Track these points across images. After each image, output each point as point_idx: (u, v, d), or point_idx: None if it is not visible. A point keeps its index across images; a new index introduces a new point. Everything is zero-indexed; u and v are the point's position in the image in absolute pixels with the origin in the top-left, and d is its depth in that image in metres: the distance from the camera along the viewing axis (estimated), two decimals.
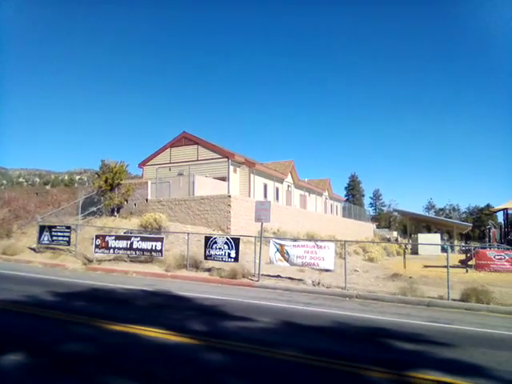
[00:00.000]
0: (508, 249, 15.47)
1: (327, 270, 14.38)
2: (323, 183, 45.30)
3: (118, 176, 24.35)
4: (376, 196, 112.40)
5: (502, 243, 26.37)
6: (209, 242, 15.08)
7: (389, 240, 47.53)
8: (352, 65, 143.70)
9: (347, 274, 13.02)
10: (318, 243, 13.78)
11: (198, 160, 28.72)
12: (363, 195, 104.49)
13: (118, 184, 24.43)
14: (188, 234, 16.83)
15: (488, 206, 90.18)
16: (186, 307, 9.20)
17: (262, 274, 14.01)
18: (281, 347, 5.84)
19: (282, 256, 13.91)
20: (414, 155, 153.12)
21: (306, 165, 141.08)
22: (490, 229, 29.76)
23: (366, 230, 49.03)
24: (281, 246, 14.06)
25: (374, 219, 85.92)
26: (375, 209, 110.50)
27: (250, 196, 27.54)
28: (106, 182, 24.09)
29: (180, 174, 26.50)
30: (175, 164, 29.18)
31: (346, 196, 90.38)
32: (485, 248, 14.21)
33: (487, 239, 29.30)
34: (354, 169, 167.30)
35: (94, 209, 24.51)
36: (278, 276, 14.52)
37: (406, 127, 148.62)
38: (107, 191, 24.14)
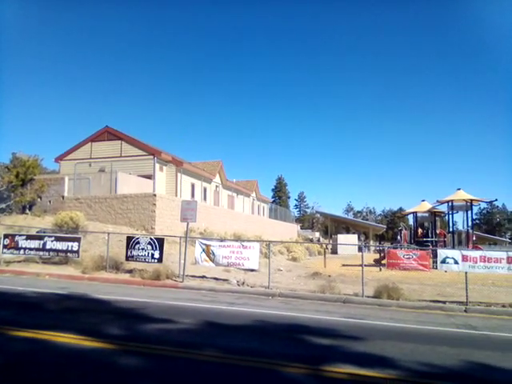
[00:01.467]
0: (416, 249, 16.84)
1: (252, 270, 14.59)
2: (251, 184, 45.95)
3: (30, 170, 22.52)
4: (301, 198, 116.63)
5: (411, 243, 28.76)
6: (131, 242, 14.50)
7: (311, 240, 49.54)
8: (274, 65, 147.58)
9: (271, 273, 13.31)
10: (244, 243, 13.91)
11: (121, 156, 27.49)
12: (289, 197, 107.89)
13: (31, 179, 22.58)
14: (108, 233, 16.02)
15: (400, 209, 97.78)
16: (104, 311, 8.74)
17: (187, 275, 13.80)
18: (203, 348, 5.78)
19: (208, 256, 13.82)
20: (336, 160, 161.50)
21: (235, 165, 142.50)
22: (401, 230, 32.37)
23: (290, 230, 50.61)
24: (207, 246, 13.96)
25: (298, 220, 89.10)
26: (300, 210, 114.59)
27: (176, 195, 27.01)
28: (17, 176, 22.15)
29: (101, 171, 25.16)
30: (96, 160, 27.62)
31: (272, 197, 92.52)
32: (396, 248, 15.34)
33: (399, 240, 31.80)
34: (281, 171, 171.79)
35: (3, 205, 22.38)
36: (204, 276, 14.41)
37: (327, 131, 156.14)
38: (18, 187, 22.21)
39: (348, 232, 68.35)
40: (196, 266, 14.58)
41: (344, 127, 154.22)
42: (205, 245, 14.06)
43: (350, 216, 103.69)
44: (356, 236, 48.03)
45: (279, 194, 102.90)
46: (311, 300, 11.53)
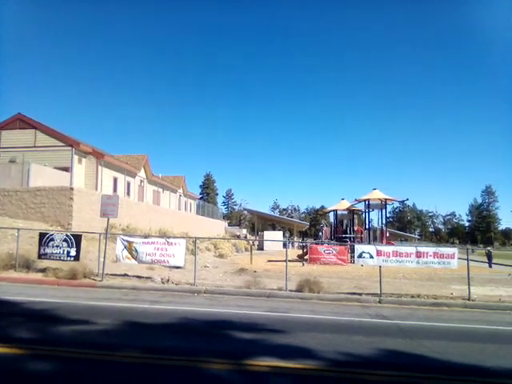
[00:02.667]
0: (336, 244, 17.68)
1: (178, 267, 14.27)
2: (178, 180, 45.02)
3: None
4: (229, 195, 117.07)
5: (332, 240, 30.26)
6: (44, 239, 13.39)
7: (238, 237, 49.94)
8: (204, 64, 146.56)
9: (197, 270, 13.13)
10: (169, 240, 13.55)
11: (35, 146, 25.29)
12: (217, 194, 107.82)
13: None
14: (18, 229, 14.65)
15: (322, 207, 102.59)
16: (12, 313, 7.95)
17: (107, 274, 13.10)
18: (121, 349, 5.49)
19: (130, 254, 13.24)
20: (264, 159, 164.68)
21: (161, 160, 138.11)
22: (322, 227, 34.00)
23: (218, 227, 50.52)
24: (129, 243, 13.36)
25: (226, 217, 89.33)
26: (228, 207, 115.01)
27: (97, 189, 25.55)
28: None
29: (12, 161, 22.94)
30: (6, 149, 25.14)
31: (200, 194, 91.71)
32: (317, 244, 16.01)
33: (320, 236, 33.32)
34: (209, 168, 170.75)
35: None
36: (125, 275, 13.79)
37: (254, 130, 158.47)
38: None
39: (274, 229, 70.14)
40: (117, 263, 13.91)
41: (270, 127, 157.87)
42: (127, 241, 13.45)
43: (276, 213, 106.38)
44: (281, 233, 49.47)
45: (207, 191, 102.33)
46: (237, 296, 11.57)
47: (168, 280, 13.15)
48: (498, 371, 5.23)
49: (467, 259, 12.47)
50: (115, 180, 29.47)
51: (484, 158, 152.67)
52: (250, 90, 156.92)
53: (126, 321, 7.47)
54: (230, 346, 6.07)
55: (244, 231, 64.79)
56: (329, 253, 12.88)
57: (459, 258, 12.75)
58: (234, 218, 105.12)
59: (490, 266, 29.23)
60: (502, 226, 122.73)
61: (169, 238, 14.67)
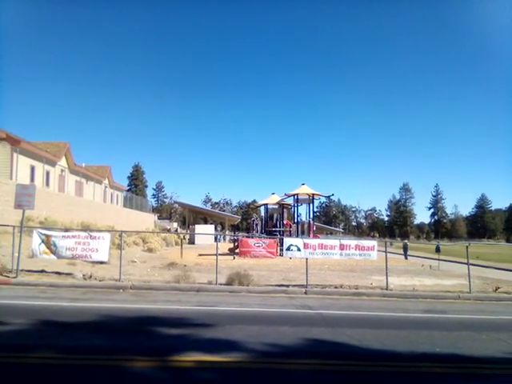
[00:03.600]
0: (266, 238, 18.01)
1: (102, 262, 13.57)
2: (103, 170, 42.78)
3: None
4: (159, 188, 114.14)
5: (262, 233, 30.81)
6: None
7: (169, 231, 48.90)
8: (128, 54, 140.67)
9: (123, 265, 12.59)
10: (92, 234, 12.82)
11: None
12: (146, 186, 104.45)
13: None
14: None
15: (254, 201, 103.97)
16: None
17: (23, 270, 12.09)
18: (35, 350, 5.09)
19: (49, 248, 12.32)
20: (196, 151, 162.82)
21: (85, 149, 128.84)
22: (254, 221, 34.47)
23: (147, 220, 48.96)
24: (47, 236, 12.42)
25: (156, 210, 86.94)
26: (158, 200, 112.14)
27: (11, 178, 23.40)
28: None
29: None
30: None
31: (128, 186, 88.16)
32: (248, 237, 16.18)
33: (252, 229, 33.77)
34: (138, 158, 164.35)
35: None
36: (43, 271, 12.83)
37: (185, 122, 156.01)
38: None
39: (206, 222, 69.64)
40: (34, 259, 12.88)
41: (200, 119, 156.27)
42: (44, 235, 12.49)
43: (208, 207, 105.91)
44: (213, 226, 49.24)
45: (136, 183, 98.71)
46: (165, 291, 11.30)
47: (91, 276, 12.47)
48: (410, 356, 5.66)
49: (385, 251, 13.39)
50: (33, 169, 27.23)
51: (402, 157, 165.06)
52: (177, 79, 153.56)
53: (43, 320, 6.95)
54: (156, 342, 5.90)
55: (175, 225, 63.59)
56: (259, 246, 13.09)
57: (379, 251, 13.64)
58: (164, 211, 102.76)
59: (406, 258, 31.63)
60: (417, 221, 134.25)
61: (92, 231, 13.90)
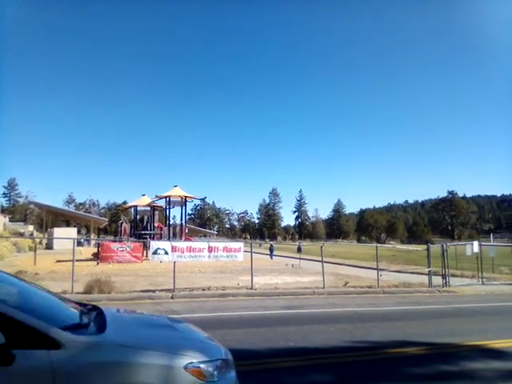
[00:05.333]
0: (134, 241, 17.22)
1: None
2: None
3: None
4: (11, 186, 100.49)
5: (132, 236, 29.35)
6: None
7: (22, 235, 43.17)
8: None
9: None
10: None
11: None
12: None
13: None
14: None
15: (125, 202, 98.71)
16: None
17: None
18: None
19: None
20: (59, 148, 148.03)
21: None
22: (122, 223, 32.56)
23: None
24: None
25: (6, 211, 76.26)
26: (9, 200, 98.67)
27: None
28: None
29: None
30: None
31: None
32: (116, 241, 15.22)
33: (119, 233, 31.88)
34: None
35: None
36: None
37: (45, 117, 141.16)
38: None
39: (68, 225, 63.48)
40: None
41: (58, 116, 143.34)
42: None
43: (72, 208, 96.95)
44: (75, 229, 45.17)
45: None
46: None
47: None
48: (266, 352, 5.92)
49: (251, 252, 13.96)
50: None
51: (270, 164, 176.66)
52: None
53: None
54: None
55: (30, 228, 56.48)
56: (122, 250, 12.40)
57: (248, 251, 14.18)
58: (17, 212, 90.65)
59: (272, 258, 33.58)
60: (284, 223, 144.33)
61: None
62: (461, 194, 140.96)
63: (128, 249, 12.61)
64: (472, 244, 17.69)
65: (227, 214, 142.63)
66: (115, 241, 16.66)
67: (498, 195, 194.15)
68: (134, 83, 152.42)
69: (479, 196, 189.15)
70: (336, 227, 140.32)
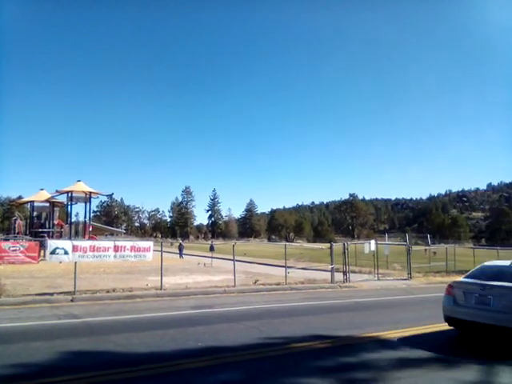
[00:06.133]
0: (30, 240, 15.67)
1: None
2: None
3: None
4: None
5: (27, 234, 26.64)
6: None
7: None
8: None
9: None
10: None
11: None
12: None
13: None
14: None
15: (20, 197, 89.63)
16: None
17: None
18: None
19: None
20: None
21: None
22: (15, 220, 29.36)
23: None
24: None
25: None
26: None
27: None
28: None
29: None
30: None
31: None
32: (8, 240, 13.69)
33: (13, 231, 28.75)
34: None
35: None
36: None
37: None
38: None
39: None
40: None
41: None
42: None
43: None
44: None
45: None
46: None
47: None
48: (174, 354, 5.74)
49: (161, 251, 13.53)
50: None
51: (183, 162, 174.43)
52: None
53: None
54: None
55: None
56: (15, 250, 11.15)
57: (158, 251, 13.70)
58: None
59: (181, 257, 33.10)
60: (197, 222, 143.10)
61: None
62: (360, 197, 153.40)
63: (22, 248, 11.35)
64: (369, 243, 19.24)
65: (137, 211, 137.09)
66: (7, 239, 14.93)
67: (393, 199, 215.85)
68: None
69: (376, 199, 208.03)
70: (248, 226, 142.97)
